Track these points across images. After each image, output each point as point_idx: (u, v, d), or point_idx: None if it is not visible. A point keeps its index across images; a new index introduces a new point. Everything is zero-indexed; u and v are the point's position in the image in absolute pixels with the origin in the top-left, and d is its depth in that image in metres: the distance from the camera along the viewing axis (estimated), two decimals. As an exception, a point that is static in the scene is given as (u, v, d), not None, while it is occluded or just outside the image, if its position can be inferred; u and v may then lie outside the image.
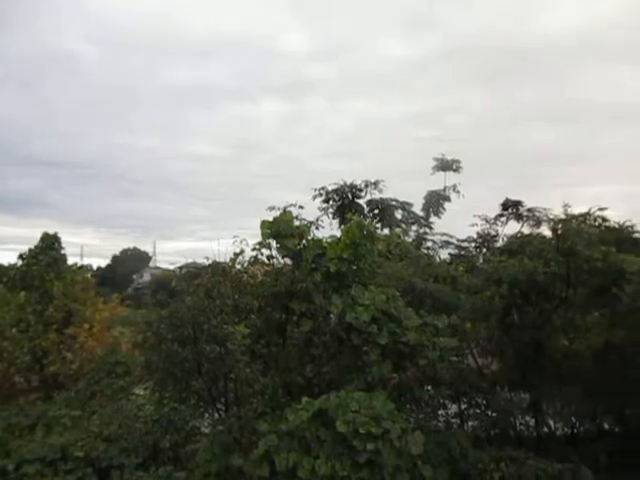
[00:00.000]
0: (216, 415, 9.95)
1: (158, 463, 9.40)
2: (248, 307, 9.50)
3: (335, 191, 21.56)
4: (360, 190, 21.77)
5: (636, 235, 22.16)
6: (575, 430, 11.86)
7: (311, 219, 9.53)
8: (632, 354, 10.15)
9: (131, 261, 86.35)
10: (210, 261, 9.99)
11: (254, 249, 9.42)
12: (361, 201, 22.02)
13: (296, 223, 9.07)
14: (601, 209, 12.69)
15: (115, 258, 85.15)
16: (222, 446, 8.05)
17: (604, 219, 19.97)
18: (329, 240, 9.33)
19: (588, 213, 13.02)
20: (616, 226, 20.84)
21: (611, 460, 10.18)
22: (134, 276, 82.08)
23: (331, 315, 8.51)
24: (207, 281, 9.60)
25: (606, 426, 11.77)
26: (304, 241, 8.94)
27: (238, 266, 10.05)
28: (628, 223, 22.26)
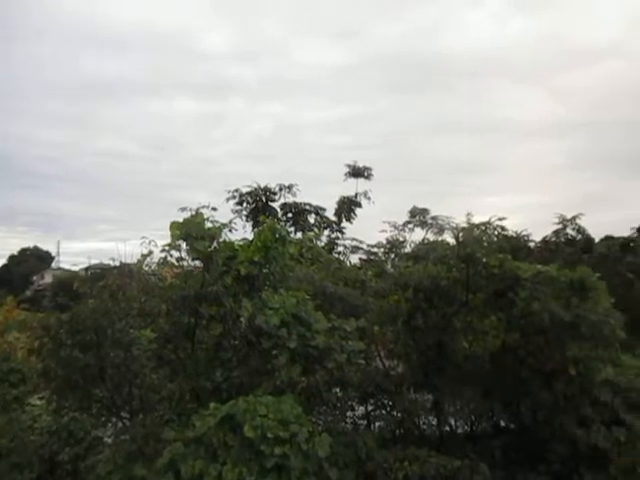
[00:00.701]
0: (120, 424, 9.54)
1: (55, 478, 8.87)
2: (155, 310, 9.21)
3: (249, 194, 21.44)
4: (274, 193, 21.80)
5: (531, 244, 23.94)
6: (474, 428, 12.49)
7: (225, 221, 9.42)
8: (525, 355, 10.85)
9: (31, 261, 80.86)
10: (117, 262, 9.61)
11: (163, 251, 9.15)
12: (275, 204, 22.08)
13: (208, 225, 8.94)
14: (500, 219, 13.46)
15: (12, 258, 79.40)
16: (125, 456, 7.73)
17: (503, 228, 21.27)
18: (241, 243, 9.28)
19: (488, 222, 13.78)
20: (513, 235, 22.41)
21: (506, 455, 10.81)
22: (34, 277, 76.84)
23: (241, 319, 8.46)
24: (112, 283, 9.21)
25: (502, 423, 12.47)
26: (215, 243, 8.82)
27: (146, 268, 9.73)
28: (524, 232, 23.99)
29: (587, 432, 10.03)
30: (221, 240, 8.98)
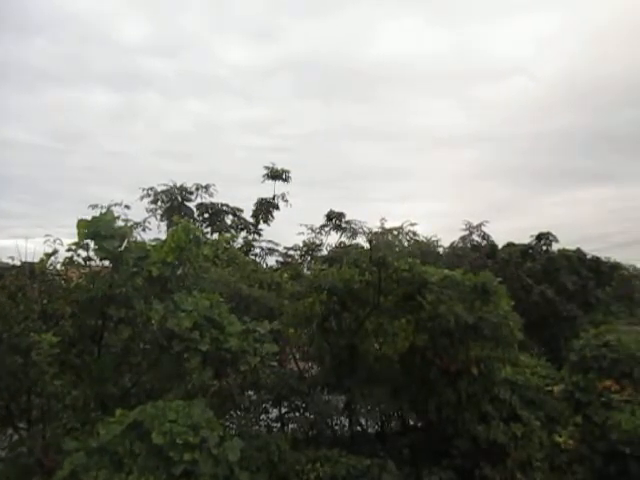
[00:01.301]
0: (16, 435, 8.91)
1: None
2: (59, 313, 8.70)
3: (164, 192, 20.81)
4: (190, 193, 21.30)
5: (440, 249, 25.05)
6: (384, 427, 12.87)
7: (138, 220, 9.10)
8: (432, 356, 11.31)
9: None
10: (17, 261, 8.98)
11: (69, 250, 8.67)
12: (191, 204, 21.57)
13: (119, 224, 8.59)
14: (412, 224, 14.01)
15: None
16: (21, 470, 7.24)
17: (414, 234, 22.27)
18: (153, 243, 9.00)
19: (401, 227, 14.29)
20: (424, 240, 23.41)
21: (413, 452, 11.22)
22: None
23: (152, 321, 8.19)
24: (11, 284, 8.60)
25: (411, 422, 12.93)
26: (126, 243, 8.48)
27: (50, 268, 9.18)
28: (434, 238, 25.13)
29: (487, 428, 10.63)
30: (132, 240, 8.66)
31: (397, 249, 11.68)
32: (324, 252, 20.15)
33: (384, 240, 11.52)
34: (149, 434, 6.24)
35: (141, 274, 8.35)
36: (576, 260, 27.15)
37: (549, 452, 10.75)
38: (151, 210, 20.52)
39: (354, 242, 18.73)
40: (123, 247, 8.39)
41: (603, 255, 30.44)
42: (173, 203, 20.78)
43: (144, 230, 16.78)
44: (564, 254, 27.48)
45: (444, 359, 11.17)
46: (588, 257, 28.43)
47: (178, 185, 21.15)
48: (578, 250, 28.42)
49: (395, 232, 18.11)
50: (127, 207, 9.02)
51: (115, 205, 8.87)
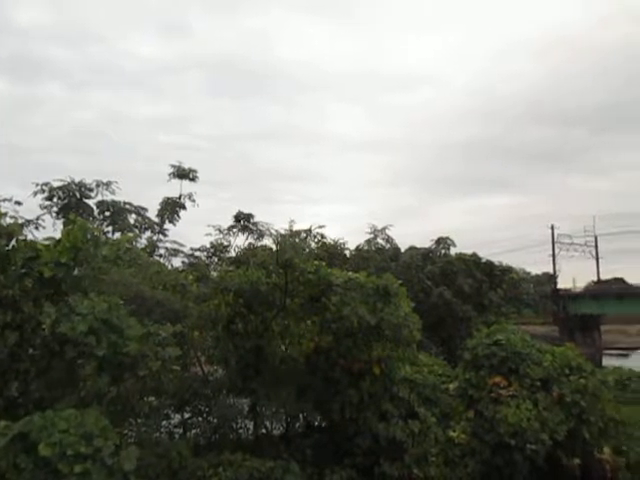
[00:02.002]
0: None
1: None
2: None
3: (61, 188, 19.54)
4: (90, 190, 20.13)
5: (346, 251, 25.59)
6: (288, 429, 12.92)
7: (31, 217, 8.50)
8: (337, 357, 11.54)
9: None
10: None
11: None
12: (91, 202, 20.44)
13: (8, 221, 8.00)
14: (320, 227, 14.25)
15: None
16: None
17: (322, 236, 22.59)
18: (46, 242, 8.45)
19: (309, 230, 14.44)
20: (332, 243, 23.80)
21: (317, 452, 11.35)
22: None
23: (42, 326, 7.67)
24: None
25: (316, 423, 13.07)
26: (14, 242, 7.91)
27: None
28: (341, 241, 25.61)
29: (387, 426, 11.00)
30: (21, 238, 8.09)
31: (304, 251, 11.74)
32: (232, 254, 19.92)
33: (291, 242, 11.58)
34: (36, 446, 5.85)
35: (31, 275, 7.82)
36: (472, 264, 28.84)
37: (443, 447, 11.31)
38: (46, 207, 19.21)
39: (262, 244, 18.66)
40: (11, 246, 7.83)
41: (496, 259, 32.64)
42: (70, 200, 19.55)
43: (37, 228, 15.63)
44: (461, 258, 29.12)
45: (348, 359, 11.43)
46: (483, 261, 30.30)
47: (76, 181, 19.94)
48: (474, 254, 30.22)
49: (303, 234, 18.30)
50: (18, 203, 8.42)
51: (4, 201, 8.24)
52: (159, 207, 21.23)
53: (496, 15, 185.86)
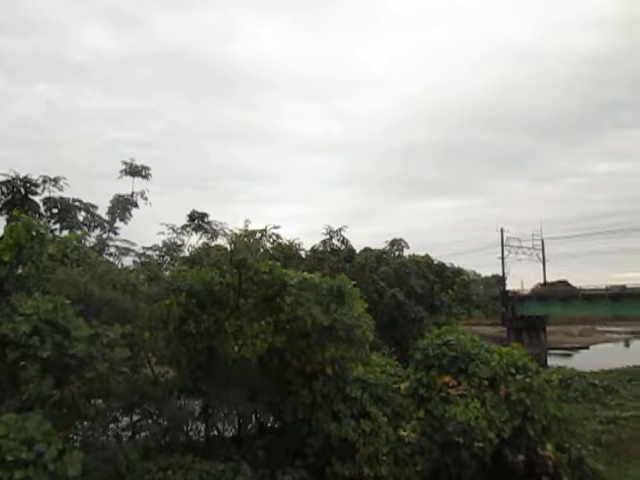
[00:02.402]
0: None
1: None
2: None
3: (4, 183, 18.73)
4: (36, 185, 19.37)
5: (302, 252, 25.58)
6: (240, 430, 12.81)
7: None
8: (290, 357, 11.52)
9: None
10: None
11: None
12: (37, 198, 19.66)
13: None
14: (275, 227, 14.11)
15: None
16: None
17: (278, 236, 22.51)
18: (-14, 240, 8.10)
19: (264, 230, 14.33)
20: (287, 243, 23.75)
21: (269, 454, 11.31)
22: None
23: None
24: None
25: (269, 424, 13.02)
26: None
27: None
28: (297, 241, 25.58)
29: (339, 426, 11.07)
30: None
31: (259, 251, 11.68)
32: (185, 253, 19.58)
33: (245, 242, 11.49)
34: (-28, 453, 5.61)
35: (-31, 274, 7.50)
36: (424, 265, 29.36)
37: (394, 446, 11.45)
38: (-14, 204, 18.37)
39: (216, 243, 18.39)
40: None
41: (448, 261, 33.36)
42: (15, 196, 18.77)
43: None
44: (414, 259, 29.58)
45: (301, 360, 11.44)
46: (435, 262, 30.88)
47: (21, 176, 19.16)
48: (426, 256, 30.77)
49: (258, 234, 18.16)
50: None
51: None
52: (110, 204, 20.66)
53: (446, 24, 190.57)
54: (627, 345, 72.67)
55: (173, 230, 20.13)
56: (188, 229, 20.30)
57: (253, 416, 12.99)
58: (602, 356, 52.59)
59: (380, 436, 11.35)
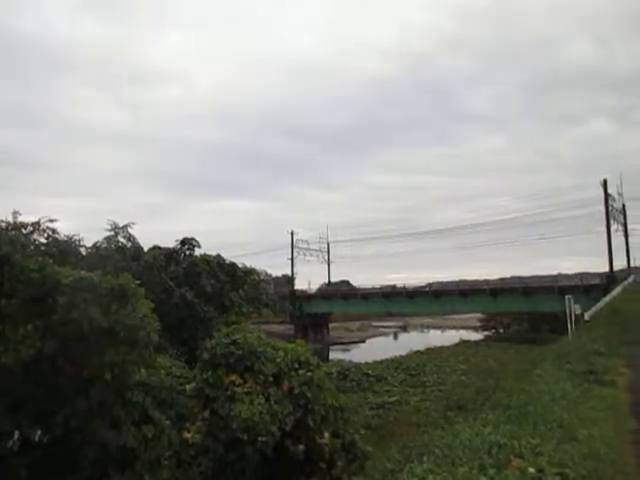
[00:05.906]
0: None
1: None
2: None
3: None
4: None
5: (82, 249, 23.62)
6: (-1, 448, 11.26)
7: None
8: (63, 363, 10.49)
9: None
10: None
11: None
12: None
13: None
14: (51, 220, 12.82)
15: None
16: None
17: (54, 231, 20.42)
18: None
19: (37, 223, 12.89)
20: (65, 239, 21.66)
21: (35, 472, 10.16)
22: None
23: None
24: None
25: (37, 438, 11.68)
26: None
27: None
28: (76, 237, 23.53)
29: (118, 433, 10.41)
30: None
31: (30, 247, 10.41)
32: None
33: (10, 236, 10.17)
34: None
35: None
36: (215, 265, 29.32)
37: (177, 449, 11.16)
38: None
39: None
40: None
41: (243, 261, 33.84)
42: None
43: None
44: (205, 259, 29.36)
45: (76, 366, 10.51)
46: (227, 262, 31.07)
47: None
48: (218, 256, 30.78)
49: (30, 228, 16.22)
50: None
51: None
52: None
53: (253, 28, 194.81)
54: (396, 338, 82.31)
55: None
56: None
57: (16, 431, 11.52)
58: (376, 348, 58.46)
59: (162, 440, 10.97)
